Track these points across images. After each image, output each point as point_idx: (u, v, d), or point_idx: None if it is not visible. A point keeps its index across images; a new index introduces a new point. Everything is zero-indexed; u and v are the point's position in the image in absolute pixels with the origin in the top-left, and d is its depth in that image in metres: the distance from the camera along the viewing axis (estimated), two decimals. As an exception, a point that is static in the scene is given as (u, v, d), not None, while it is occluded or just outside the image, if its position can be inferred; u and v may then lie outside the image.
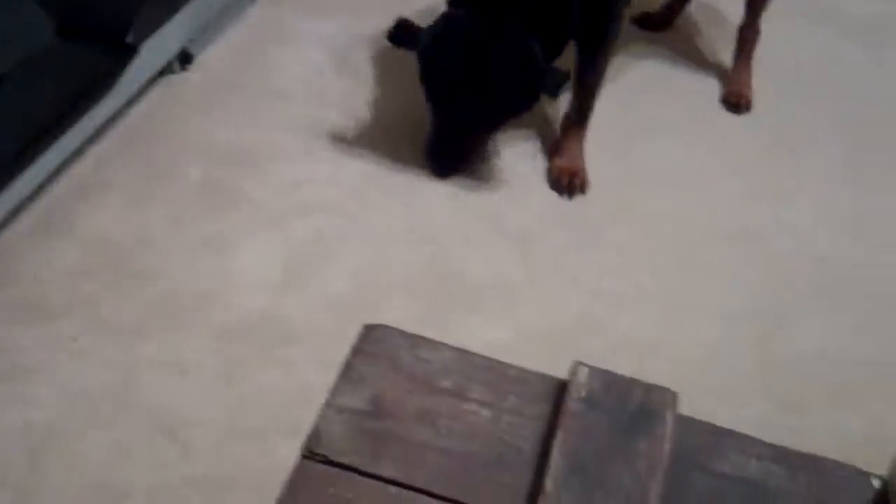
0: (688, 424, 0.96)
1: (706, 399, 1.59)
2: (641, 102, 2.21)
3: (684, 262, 1.84)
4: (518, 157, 2.02)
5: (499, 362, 1.00)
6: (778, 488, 0.92)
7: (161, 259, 1.68)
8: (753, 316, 1.76)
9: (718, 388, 1.62)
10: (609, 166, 2.01)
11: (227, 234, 1.75)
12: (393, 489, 0.87)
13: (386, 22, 2.13)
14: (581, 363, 0.98)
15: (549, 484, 0.86)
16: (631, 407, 0.94)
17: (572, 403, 0.93)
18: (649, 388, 0.96)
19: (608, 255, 1.84)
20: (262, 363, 1.53)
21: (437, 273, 1.76)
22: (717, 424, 0.97)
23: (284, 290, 1.66)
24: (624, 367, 1.56)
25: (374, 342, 1.00)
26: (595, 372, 0.97)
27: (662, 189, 2.01)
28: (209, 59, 2.15)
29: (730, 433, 0.96)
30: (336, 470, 0.88)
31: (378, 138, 2.02)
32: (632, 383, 0.96)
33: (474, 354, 1.01)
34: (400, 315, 1.65)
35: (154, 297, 1.62)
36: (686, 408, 1.08)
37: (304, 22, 2.27)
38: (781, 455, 0.96)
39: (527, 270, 1.79)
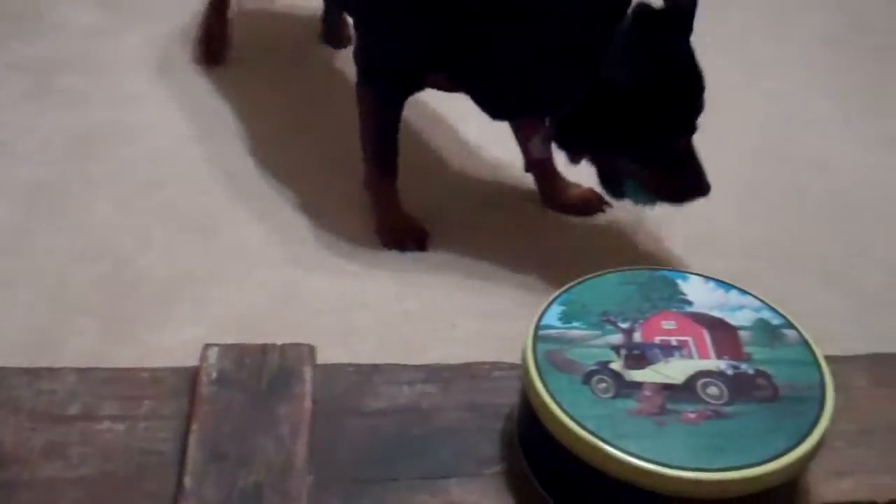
0: (332, 372, 0.93)
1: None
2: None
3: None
4: (189, 140, 1.96)
5: (128, 370, 0.94)
6: (432, 406, 0.91)
7: None
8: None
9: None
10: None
11: None
12: (26, 539, 0.80)
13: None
14: (209, 344, 0.93)
15: (188, 481, 0.81)
16: (267, 374, 0.90)
17: (204, 389, 0.89)
18: (284, 349, 0.92)
19: (291, 221, 1.79)
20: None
21: (120, 285, 1.66)
22: (361, 363, 0.95)
23: (-49, 353, 1.54)
24: (327, 327, 1.55)
25: (-12, 389, 0.92)
26: (226, 349, 0.93)
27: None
28: None
29: (376, 368, 0.94)
30: (-38, 540, 0.81)
31: (31, 157, 1.90)
32: (265, 349, 0.92)
33: (101, 370, 0.94)
34: (85, 341, 1.56)
35: None
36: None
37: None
38: (433, 373, 0.94)
39: (213, 258, 1.72)
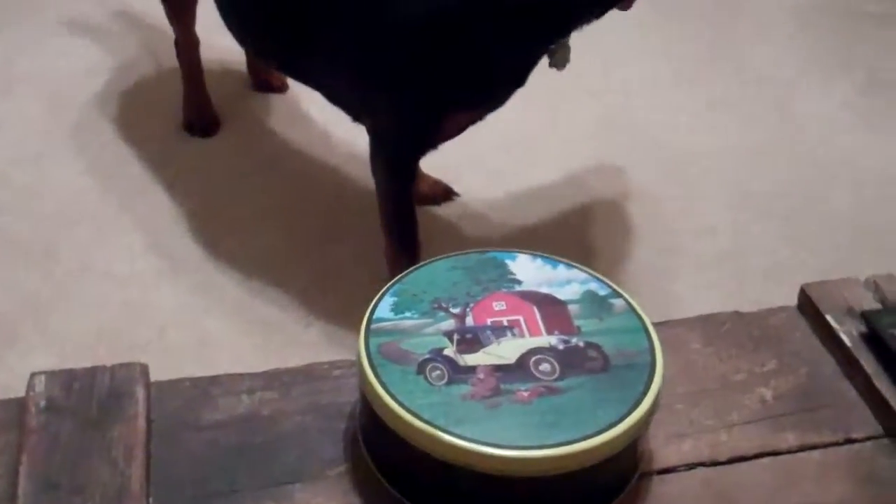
0: (167, 389, 0.90)
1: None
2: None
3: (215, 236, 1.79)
4: (21, 163, 1.89)
5: (-48, 407, 0.90)
6: (274, 412, 0.89)
7: None
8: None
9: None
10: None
11: None
12: None
13: None
14: (36, 373, 0.90)
15: (18, 517, 0.78)
16: (97, 397, 0.87)
17: (33, 419, 0.86)
18: (116, 370, 0.90)
19: (130, 238, 1.75)
20: None
21: (-43, 322, 1.60)
22: (201, 375, 0.93)
23: None
24: (178, 342, 1.52)
25: None
26: (53, 375, 0.90)
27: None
28: None
29: (215, 379, 0.92)
30: None
31: None
32: (94, 372, 0.89)
33: (-77, 410, 0.90)
34: (-78, 384, 1.49)
35: None
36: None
37: None
38: (273, 378, 0.93)
39: (54, 283, 1.67)
